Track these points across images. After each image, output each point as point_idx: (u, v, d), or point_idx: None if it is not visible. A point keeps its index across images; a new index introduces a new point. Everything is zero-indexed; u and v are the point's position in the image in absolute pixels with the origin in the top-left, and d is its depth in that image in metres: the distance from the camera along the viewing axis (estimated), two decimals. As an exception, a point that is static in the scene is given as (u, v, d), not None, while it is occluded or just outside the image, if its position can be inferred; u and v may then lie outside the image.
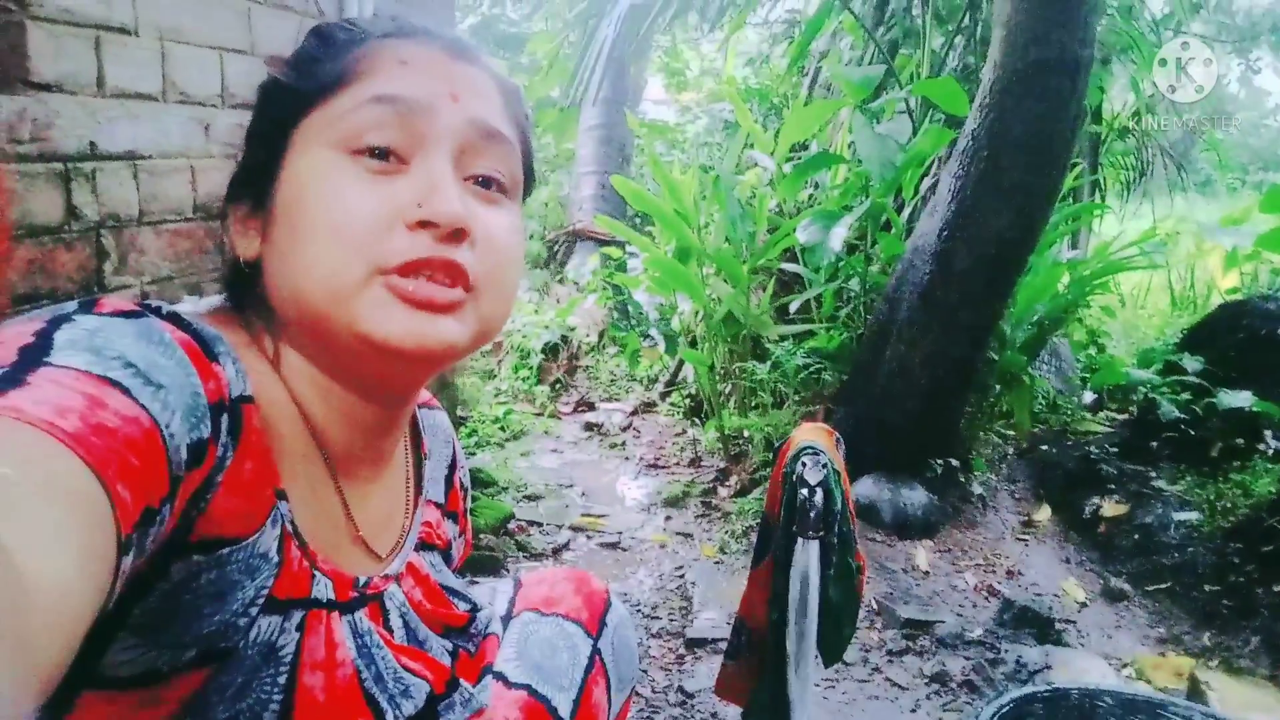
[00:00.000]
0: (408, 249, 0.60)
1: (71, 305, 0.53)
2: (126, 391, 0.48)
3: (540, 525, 3.00)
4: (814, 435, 1.16)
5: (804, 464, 1.06)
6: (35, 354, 0.47)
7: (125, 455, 0.45)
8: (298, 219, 0.62)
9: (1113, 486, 3.06)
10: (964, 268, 2.81)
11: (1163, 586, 2.57)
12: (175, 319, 0.57)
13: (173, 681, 0.57)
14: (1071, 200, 4.28)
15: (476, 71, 0.68)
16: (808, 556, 1.05)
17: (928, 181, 3.70)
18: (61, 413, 0.43)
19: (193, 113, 1.75)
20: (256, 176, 0.66)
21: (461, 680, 0.78)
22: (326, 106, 0.63)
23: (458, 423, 3.57)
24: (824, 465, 1.07)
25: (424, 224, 0.61)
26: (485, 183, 0.66)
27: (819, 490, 1.05)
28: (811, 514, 1.04)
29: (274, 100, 0.67)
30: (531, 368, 4.78)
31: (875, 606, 2.43)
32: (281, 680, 0.62)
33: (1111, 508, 2.95)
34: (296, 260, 0.62)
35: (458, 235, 0.62)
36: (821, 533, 1.05)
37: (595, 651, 0.98)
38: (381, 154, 0.62)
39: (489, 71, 0.70)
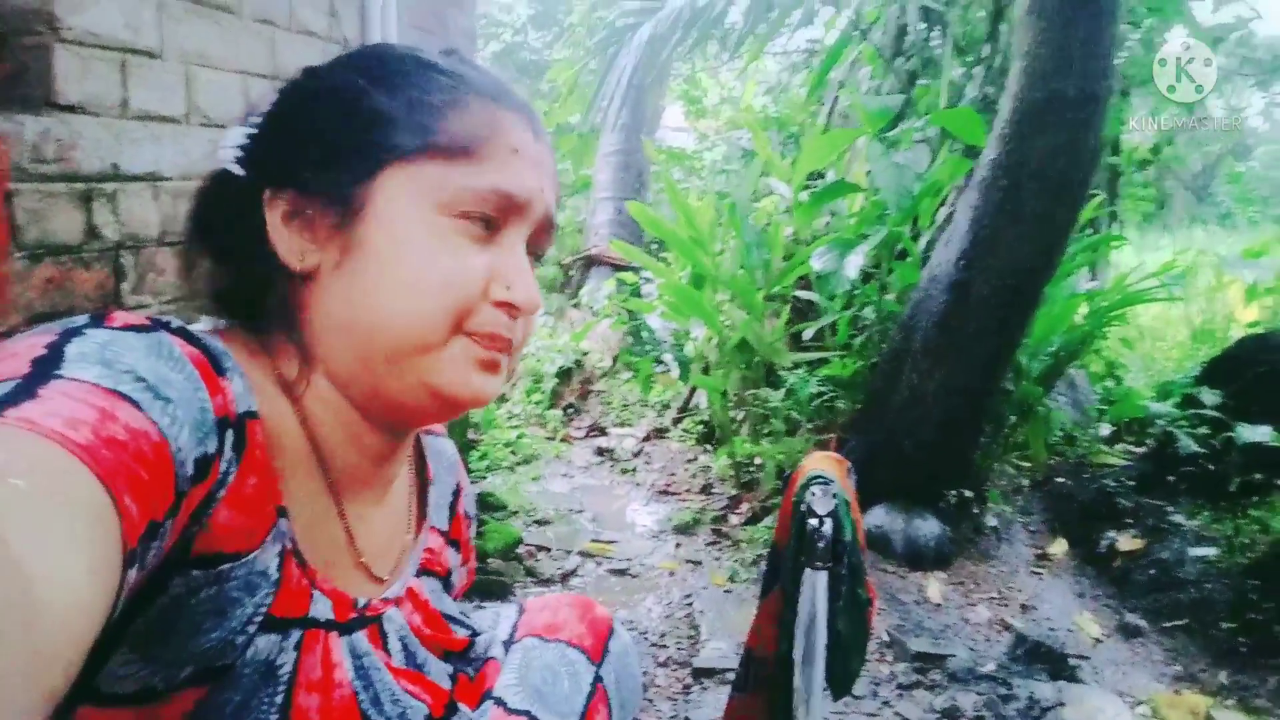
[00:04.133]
0: (491, 322, 0.65)
1: (83, 318, 0.54)
2: (136, 405, 0.49)
3: (549, 550, 2.99)
4: (824, 464, 1.15)
5: (813, 493, 1.05)
6: (47, 366, 0.48)
7: (134, 468, 0.46)
8: (391, 268, 0.63)
9: (1129, 520, 3.02)
10: (980, 297, 2.80)
11: (1179, 623, 2.52)
12: (185, 334, 0.58)
13: (170, 699, 0.57)
14: (1090, 231, 4.27)
15: (550, 151, 0.73)
16: (816, 587, 1.04)
17: (944, 211, 3.70)
18: (73, 425, 0.44)
19: (215, 135, 1.77)
20: (332, 187, 0.64)
21: (461, 704, 0.78)
22: (437, 167, 0.64)
23: (469, 446, 3.58)
24: (834, 495, 1.06)
25: (508, 304, 0.66)
26: (536, 252, 0.73)
27: (828, 520, 1.04)
28: (820, 544, 1.03)
29: (364, 121, 0.64)
30: (544, 392, 4.78)
31: (886, 638, 2.40)
32: (278, 700, 0.62)
33: (1128, 542, 2.91)
34: (380, 305, 0.63)
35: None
36: (830, 563, 1.04)
37: (597, 679, 0.97)
38: (483, 222, 0.66)
39: (549, 140, 0.73)
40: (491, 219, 0.66)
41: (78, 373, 0.48)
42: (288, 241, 0.65)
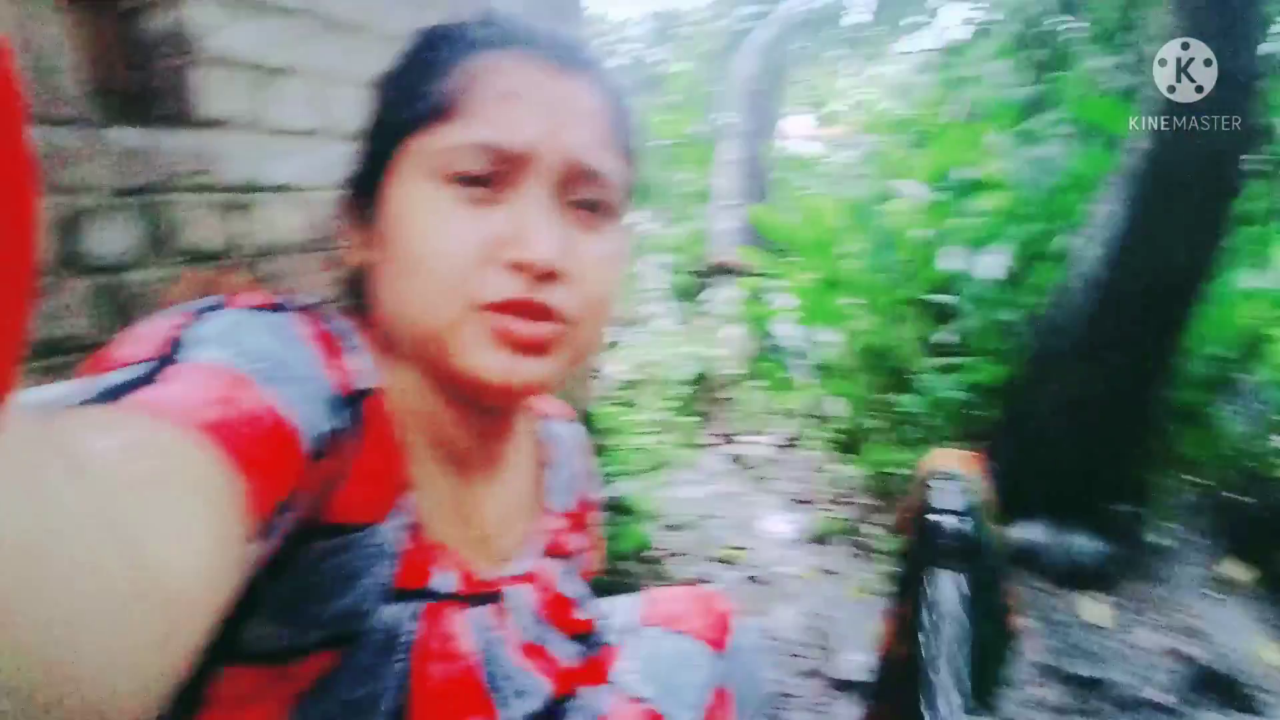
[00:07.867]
0: (504, 287, 0.61)
1: (210, 300, 0.56)
2: (257, 385, 0.49)
3: (681, 555, 2.96)
4: (949, 460, 1.07)
5: (931, 486, 0.98)
6: (174, 349, 0.49)
7: (257, 448, 0.46)
8: (400, 248, 0.63)
9: (1317, 539, 2.72)
10: (1132, 296, 2.60)
11: (1380, 653, 2.24)
12: (309, 312, 0.60)
13: (304, 659, 0.59)
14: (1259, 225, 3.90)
15: (582, 88, 0.66)
16: (939, 587, 0.96)
17: (1091, 207, 3.46)
18: (195, 407, 0.45)
19: (346, 148, 1.85)
20: (365, 184, 0.68)
21: (582, 685, 0.78)
22: (427, 136, 0.63)
23: (599, 451, 3.60)
24: (962, 490, 0.98)
25: (521, 264, 0.61)
26: (589, 204, 0.66)
27: (949, 515, 0.96)
28: (941, 540, 0.96)
29: (381, 117, 0.68)
30: (675, 398, 4.77)
31: (1040, 661, 2.24)
32: (399, 668, 0.63)
33: (1316, 562, 2.62)
34: (398, 289, 0.64)
35: (553, 275, 0.62)
36: (954, 561, 0.97)
37: (719, 672, 0.94)
38: (478, 180, 0.62)
39: (597, 81, 0.67)
40: (488, 176, 0.62)
41: (201, 355, 0.49)
42: (352, 240, 0.70)
